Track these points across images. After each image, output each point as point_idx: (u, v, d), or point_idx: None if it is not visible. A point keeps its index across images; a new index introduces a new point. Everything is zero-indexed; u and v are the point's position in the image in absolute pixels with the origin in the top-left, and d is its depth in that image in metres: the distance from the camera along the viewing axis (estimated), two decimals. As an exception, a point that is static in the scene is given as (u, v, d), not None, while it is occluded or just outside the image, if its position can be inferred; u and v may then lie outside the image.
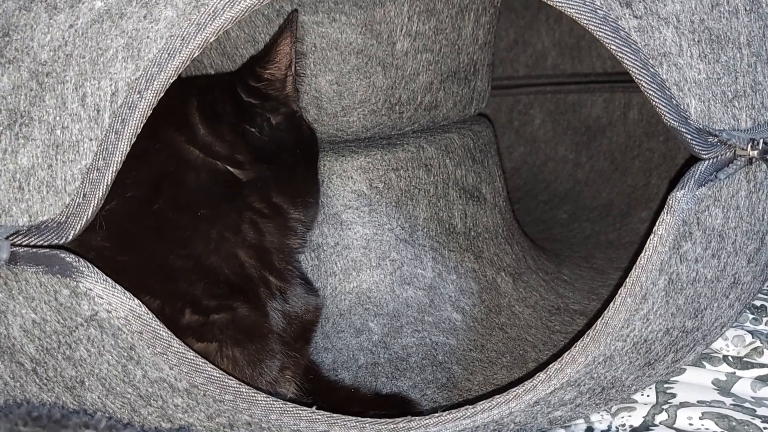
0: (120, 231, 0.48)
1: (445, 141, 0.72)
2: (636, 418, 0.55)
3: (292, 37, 0.55)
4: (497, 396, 0.48)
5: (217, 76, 0.69)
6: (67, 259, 0.42)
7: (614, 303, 0.47)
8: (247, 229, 0.54)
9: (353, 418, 0.47)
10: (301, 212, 0.57)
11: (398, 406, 0.58)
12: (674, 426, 0.54)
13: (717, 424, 0.53)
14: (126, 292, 0.43)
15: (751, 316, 0.67)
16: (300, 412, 0.46)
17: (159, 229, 0.50)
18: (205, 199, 0.52)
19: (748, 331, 0.64)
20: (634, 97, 1.00)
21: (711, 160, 0.48)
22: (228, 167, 0.53)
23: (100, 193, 0.43)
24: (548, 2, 0.44)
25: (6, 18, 0.45)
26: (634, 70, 0.45)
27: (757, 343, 0.62)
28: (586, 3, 0.44)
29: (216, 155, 0.53)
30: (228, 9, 0.42)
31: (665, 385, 0.58)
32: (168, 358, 0.44)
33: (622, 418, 0.55)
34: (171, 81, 0.42)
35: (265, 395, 0.46)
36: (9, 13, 0.45)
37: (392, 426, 0.47)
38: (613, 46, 0.45)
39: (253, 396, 0.45)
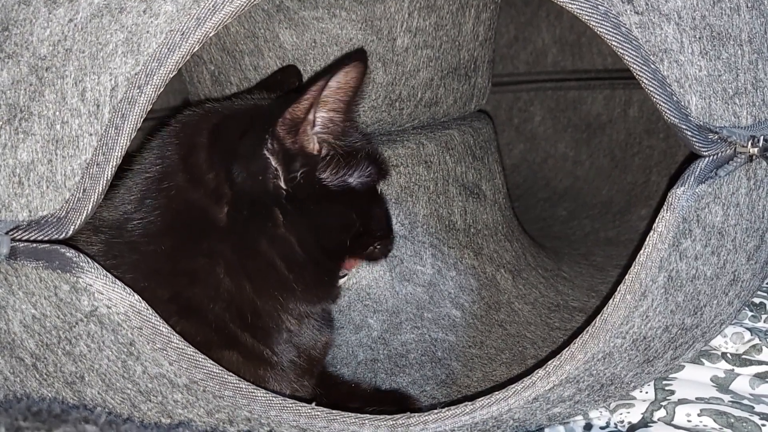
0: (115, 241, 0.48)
1: (445, 138, 0.72)
2: (634, 415, 0.55)
3: (327, 81, 0.46)
4: (496, 392, 0.48)
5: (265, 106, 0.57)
6: (67, 254, 0.42)
7: (613, 300, 0.47)
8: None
9: (352, 414, 0.47)
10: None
11: (397, 402, 0.58)
12: (672, 423, 0.54)
13: (715, 421, 0.53)
14: (126, 287, 0.43)
15: (750, 314, 0.67)
16: (299, 408, 0.46)
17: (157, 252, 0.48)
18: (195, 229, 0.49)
19: (747, 329, 0.64)
20: (634, 94, 1.00)
21: (711, 157, 0.48)
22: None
23: (100, 188, 0.43)
24: (549, -2, 0.44)
25: (5, 12, 0.44)
26: (634, 66, 0.45)
27: (756, 341, 0.62)
28: (588, -1, 0.44)
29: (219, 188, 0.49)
30: (228, 4, 0.42)
31: (664, 382, 0.58)
32: (168, 353, 0.44)
33: (621, 414, 0.55)
34: (171, 76, 0.42)
35: (264, 391, 0.46)
36: (8, 7, 0.44)
37: (391, 422, 0.47)
38: (614, 43, 0.45)
39: (252, 392, 0.45)
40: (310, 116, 0.48)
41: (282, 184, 0.49)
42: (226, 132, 0.50)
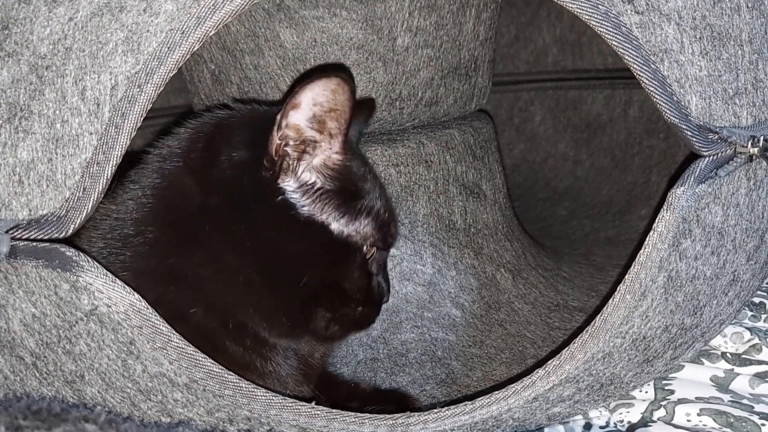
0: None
1: (445, 137, 0.72)
2: (634, 414, 0.55)
3: (290, 106, 0.45)
4: (496, 392, 0.48)
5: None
6: (67, 253, 0.42)
7: (613, 300, 0.47)
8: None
9: (352, 413, 0.47)
10: None
11: (397, 401, 0.58)
12: (672, 422, 0.54)
13: (715, 421, 0.53)
14: (126, 286, 0.43)
15: (749, 313, 0.67)
16: (299, 407, 0.46)
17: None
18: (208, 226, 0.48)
19: (747, 328, 0.64)
20: (634, 94, 1.00)
21: (711, 157, 0.48)
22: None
23: (100, 187, 0.43)
24: (550, -2, 0.44)
25: (5, 11, 0.44)
26: (635, 66, 0.45)
27: (756, 340, 0.62)
28: (588, -1, 0.44)
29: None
30: (228, 2, 0.42)
31: (664, 382, 0.58)
32: (167, 353, 0.44)
33: (621, 414, 0.55)
34: (171, 75, 0.42)
35: (264, 390, 0.46)
36: (8, 5, 0.44)
37: (391, 422, 0.47)
38: (614, 43, 0.45)
39: (252, 391, 0.45)
40: (277, 117, 0.46)
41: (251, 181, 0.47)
42: (225, 137, 0.50)
